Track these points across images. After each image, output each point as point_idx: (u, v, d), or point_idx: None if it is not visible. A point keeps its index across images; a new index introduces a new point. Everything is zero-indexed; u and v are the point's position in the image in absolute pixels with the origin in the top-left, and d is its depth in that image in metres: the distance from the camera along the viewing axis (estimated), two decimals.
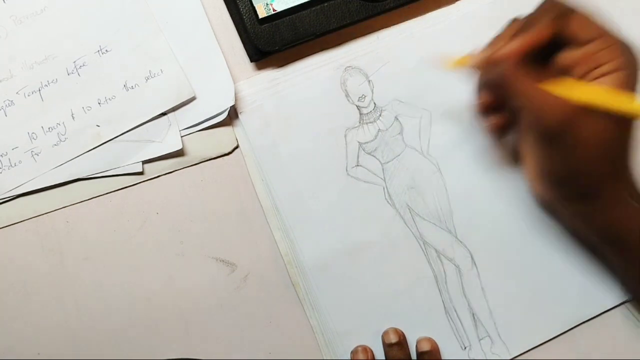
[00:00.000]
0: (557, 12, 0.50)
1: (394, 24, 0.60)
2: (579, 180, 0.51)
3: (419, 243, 0.58)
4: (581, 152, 0.49)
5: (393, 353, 0.56)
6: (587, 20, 0.49)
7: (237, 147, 0.58)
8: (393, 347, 0.56)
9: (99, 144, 0.55)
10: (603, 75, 0.48)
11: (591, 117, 0.48)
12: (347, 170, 0.58)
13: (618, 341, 0.58)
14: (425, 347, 0.56)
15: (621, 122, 0.49)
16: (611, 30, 0.49)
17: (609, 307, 0.58)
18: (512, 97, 0.50)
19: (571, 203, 0.53)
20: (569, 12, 0.49)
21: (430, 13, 0.60)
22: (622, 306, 0.59)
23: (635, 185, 0.53)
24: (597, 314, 0.58)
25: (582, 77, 0.49)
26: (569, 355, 0.58)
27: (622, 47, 0.49)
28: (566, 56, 0.50)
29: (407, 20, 0.60)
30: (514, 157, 0.58)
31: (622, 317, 0.58)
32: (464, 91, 0.58)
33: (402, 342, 0.56)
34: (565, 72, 0.50)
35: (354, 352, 0.56)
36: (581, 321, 0.58)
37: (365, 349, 0.56)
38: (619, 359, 0.58)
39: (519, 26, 0.52)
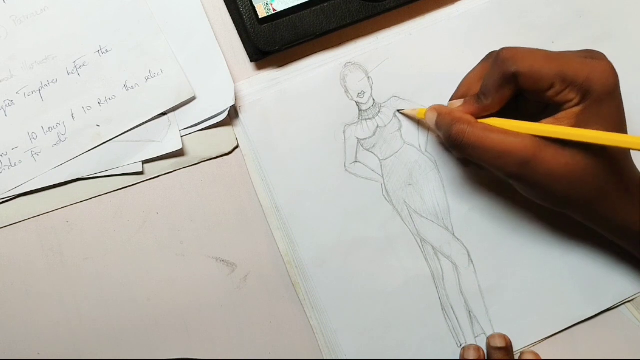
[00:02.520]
0: (502, 71, 0.50)
1: (394, 24, 0.60)
2: (568, 205, 0.52)
3: (416, 240, 0.58)
4: (547, 185, 0.50)
5: (498, 356, 0.56)
6: (534, 69, 0.49)
7: (237, 147, 0.58)
8: (499, 351, 0.57)
9: (99, 144, 0.55)
10: (564, 110, 0.50)
11: (551, 150, 0.49)
12: (345, 166, 0.58)
13: (618, 341, 0.58)
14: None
15: (594, 149, 0.49)
16: (564, 64, 0.49)
17: (607, 307, 0.58)
18: (470, 154, 0.51)
19: (575, 213, 0.54)
20: (513, 66, 0.50)
21: (430, 13, 0.60)
22: (622, 306, 0.59)
23: None
24: (594, 313, 0.59)
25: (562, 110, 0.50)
26: (569, 354, 0.58)
27: (580, 79, 0.48)
28: (532, 103, 0.53)
29: (407, 20, 0.60)
30: None
31: (622, 317, 0.59)
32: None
33: (508, 347, 0.57)
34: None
35: (465, 349, 0.57)
36: (578, 320, 0.58)
37: (478, 349, 0.57)
38: (619, 359, 0.58)
39: (467, 89, 0.55)
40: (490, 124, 0.51)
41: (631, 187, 0.52)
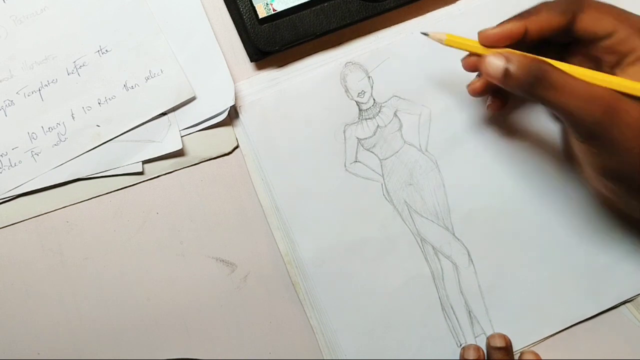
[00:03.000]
0: (563, 3, 0.49)
1: (394, 24, 0.59)
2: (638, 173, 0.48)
3: (416, 240, 0.58)
4: (631, 143, 0.46)
5: (498, 356, 0.56)
6: (599, 14, 0.47)
7: (237, 147, 0.58)
8: (499, 351, 0.56)
9: (99, 144, 0.55)
10: (634, 62, 0.47)
11: (635, 105, 0.46)
12: (345, 166, 0.58)
13: (618, 341, 0.59)
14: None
15: None
16: (628, 16, 0.47)
17: (606, 307, 0.59)
18: (550, 98, 0.47)
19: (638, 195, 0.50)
20: (578, 4, 0.48)
21: (430, 12, 0.60)
22: (622, 306, 0.59)
23: None
24: (594, 313, 0.59)
25: (612, 68, 0.48)
26: (569, 354, 0.58)
27: None
28: (589, 50, 0.49)
29: (407, 20, 0.60)
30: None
31: (622, 317, 0.59)
32: (463, 89, 0.58)
33: (508, 347, 0.57)
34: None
35: (465, 349, 0.57)
36: (578, 320, 0.59)
37: (477, 349, 0.57)
38: (619, 359, 0.58)
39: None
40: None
41: None
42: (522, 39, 0.50)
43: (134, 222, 0.57)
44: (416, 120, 0.59)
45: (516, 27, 0.49)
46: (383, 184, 0.58)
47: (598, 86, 0.46)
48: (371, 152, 0.58)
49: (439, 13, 0.60)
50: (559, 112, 0.47)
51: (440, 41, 0.52)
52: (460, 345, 0.57)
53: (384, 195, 0.58)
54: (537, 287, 0.58)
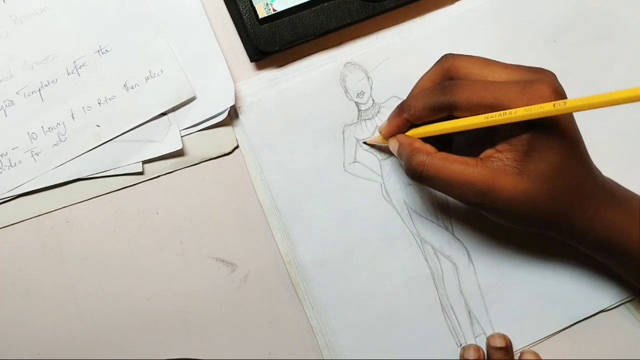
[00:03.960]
0: (436, 99, 0.50)
1: (394, 24, 0.59)
2: (535, 225, 0.52)
3: (416, 240, 0.58)
4: (509, 214, 0.50)
5: (498, 356, 0.56)
6: (470, 102, 0.48)
7: (237, 147, 0.58)
8: (499, 351, 0.56)
9: (99, 144, 0.55)
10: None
11: (509, 178, 0.48)
12: (344, 166, 0.58)
13: (618, 341, 0.59)
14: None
15: (554, 167, 0.48)
16: (501, 95, 0.48)
17: (606, 306, 0.58)
18: (430, 185, 0.52)
19: (547, 232, 0.53)
20: (450, 98, 0.49)
21: (430, 13, 0.60)
22: (622, 306, 0.59)
23: (610, 185, 0.52)
24: (594, 312, 0.59)
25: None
26: (569, 354, 0.58)
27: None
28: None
29: (407, 20, 0.60)
30: None
31: (622, 317, 0.59)
32: None
33: (508, 347, 0.57)
34: None
35: (465, 349, 0.57)
36: (578, 320, 0.58)
37: (477, 348, 0.57)
38: (619, 359, 0.59)
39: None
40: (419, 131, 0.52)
41: (603, 193, 0.51)
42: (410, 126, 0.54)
43: (134, 222, 0.56)
44: None
45: (401, 122, 0.53)
46: (382, 184, 0.58)
47: (473, 168, 0.49)
48: (370, 152, 0.58)
49: (438, 13, 0.60)
50: (442, 192, 0.52)
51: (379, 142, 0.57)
52: (460, 345, 0.57)
53: (383, 195, 0.58)
54: (537, 287, 0.58)
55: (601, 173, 0.53)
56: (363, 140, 0.58)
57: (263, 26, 0.56)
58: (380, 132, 0.56)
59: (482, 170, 0.49)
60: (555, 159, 0.48)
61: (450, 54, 0.53)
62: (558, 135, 0.48)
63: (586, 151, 0.51)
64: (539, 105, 0.45)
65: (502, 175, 0.48)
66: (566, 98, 0.48)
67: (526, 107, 0.46)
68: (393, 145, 0.54)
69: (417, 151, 0.51)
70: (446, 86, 0.50)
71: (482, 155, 0.50)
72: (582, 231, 0.51)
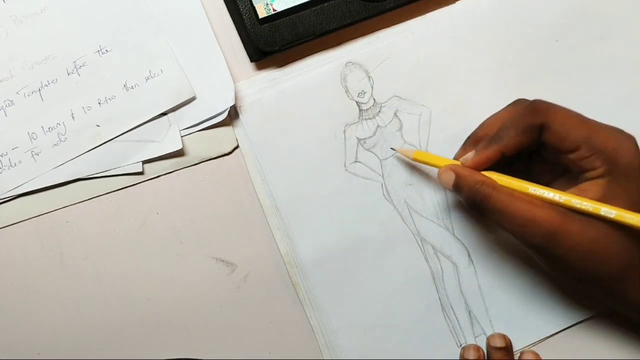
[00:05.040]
0: (528, 120, 0.49)
1: (394, 24, 0.59)
2: (592, 282, 0.49)
3: (416, 240, 0.58)
4: (574, 262, 0.48)
5: (498, 356, 0.56)
6: (564, 129, 0.48)
7: (237, 147, 0.58)
8: (499, 351, 0.56)
9: (99, 144, 0.55)
10: (589, 179, 0.48)
11: (577, 224, 0.47)
12: (345, 166, 0.58)
13: (617, 341, 0.59)
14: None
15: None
16: (593, 131, 0.48)
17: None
18: (492, 219, 0.50)
19: (597, 293, 0.51)
20: (543, 118, 0.49)
21: (431, 12, 0.60)
22: None
23: None
24: (594, 313, 0.59)
25: (574, 179, 0.50)
26: (569, 354, 0.58)
27: (608, 149, 0.47)
28: (555, 157, 0.51)
29: (407, 20, 0.59)
30: None
31: (621, 318, 0.58)
32: (463, 89, 0.59)
33: (508, 347, 0.56)
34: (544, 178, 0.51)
35: (465, 349, 0.57)
36: (578, 320, 0.58)
37: (477, 348, 0.56)
38: (619, 359, 0.58)
39: (487, 131, 0.53)
40: (514, 189, 0.50)
41: None
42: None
43: (134, 222, 0.56)
44: (416, 120, 0.59)
45: (493, 154, 0.51)
46: (383, 184, 0.58)
47: (540, 208, 0.48)
48: (371, 152, 0.58)
49: (439, 12, 0.60)
50: (503, 229, 0.50)
51: (409, 157, 0.56)
52: (460, 345, 0.57)
53: (384, 195, 0.58)
54: (537, 287, 0.58)
55: None
56: (391, 147, 0.58)
57: (263, 26, 0.56)
58: (462, 162, 0.53)
59: (550, 211, 0.47)
60: (629, 209, 0.47)
61: (540, 100, 0.51)
62: (633, 189, 0.47)
63: None
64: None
65: (569, 220, 0.47)
66: None
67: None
68: (447, 176, 0.53)
69: (482, 184, 0.50)
70: (538, 108, 0.49)
71: None
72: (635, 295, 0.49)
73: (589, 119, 0.49)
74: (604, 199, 0.47)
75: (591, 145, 0.47)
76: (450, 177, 0.52)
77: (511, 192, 0.49)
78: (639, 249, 0.48)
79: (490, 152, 0.51)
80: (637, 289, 0.49)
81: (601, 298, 0.51)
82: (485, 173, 0.52)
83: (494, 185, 0.50)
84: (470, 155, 0.53)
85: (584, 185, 0.48)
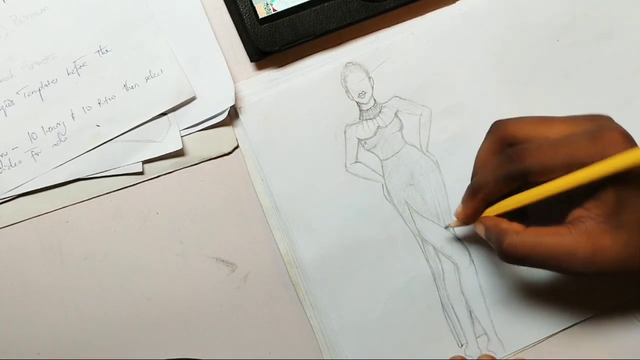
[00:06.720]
0: (504, 171, 0.48)
1: (394, 24, 0.59)
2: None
3: (417, 240, 0.58)
4: (625, 267, 0.46)
5: None
6: (544, 163, 0.46)
7: (237, 147, 0.58)
8: None
9: (99, 144, 0.55)
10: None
11: (607, 236, 0.45)
12: (346, 166, 0.58)
13: (618, 341, 0.58)
14: None
15: None
16: (573, 147, 0.46)
17: (607, 307, 0.58)
18: (529, 265, 0.49)
19: None
20: (520, 166, 0.47)
21: (431, 12, 0.60)
22: (623, 307, 0.59)
23: None
24: (594, 313, 0.59)
25: None
26: (569, 354, 0.58)
27: (596, 158, 0.45)
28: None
29: (407, 20, 0.59)
30: None
31: (622, 317, 0.58)
32: (464, 89, 0.59)
33: None
34: None
35: None
36: (578, 320, 0.58)
37: None
38: (619, 359, 0.58)
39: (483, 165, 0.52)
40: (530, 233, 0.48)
41: None
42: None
43: (134, 222, 0.56)
44: (417, 121, 0.59)
45: (479, 204, 0.51)
46: (384, 185, 0.58)
47: (567, 236, 0.46)
48: (372, 152, 0.58)
49: (440, 13, 0.60)
50: (543, 269, 0.49)
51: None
52: (461, 345, 0.57)
53: (384, 195, 0.58)
54: (537, 288, 0.58)
55: None
56: (445, 225, 0.58)
57: (263, 26, 0.56)
58: (456, 217, 0.53)
59: (577, 236, 0.46)
60: None
61: (498, 120, 0.51)
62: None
63: None
64: (630, 152, 0.44)
65: (598, 236, 0.45)
66: (631, 138, 0.46)
67: (615, 158, 0.44)
68: (480, 230, 0.52)
69: (504, 232, 0.48)
70: (512, 154, 0.47)
71: (570, 218, 0.48)
72: None
73: (559, 140, 0.46)
74: (618, 210, 0.46)
75: (578, 164, 0.45)
76: (482, 230, 0.52)
77: (535, 231, 0.48)
78: None
79: (476, 203, 0.51)
80: None
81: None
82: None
83: (516, 230, 0.48)
84: (460, 208, 0.53)
85: (589, 204, 0.47)
